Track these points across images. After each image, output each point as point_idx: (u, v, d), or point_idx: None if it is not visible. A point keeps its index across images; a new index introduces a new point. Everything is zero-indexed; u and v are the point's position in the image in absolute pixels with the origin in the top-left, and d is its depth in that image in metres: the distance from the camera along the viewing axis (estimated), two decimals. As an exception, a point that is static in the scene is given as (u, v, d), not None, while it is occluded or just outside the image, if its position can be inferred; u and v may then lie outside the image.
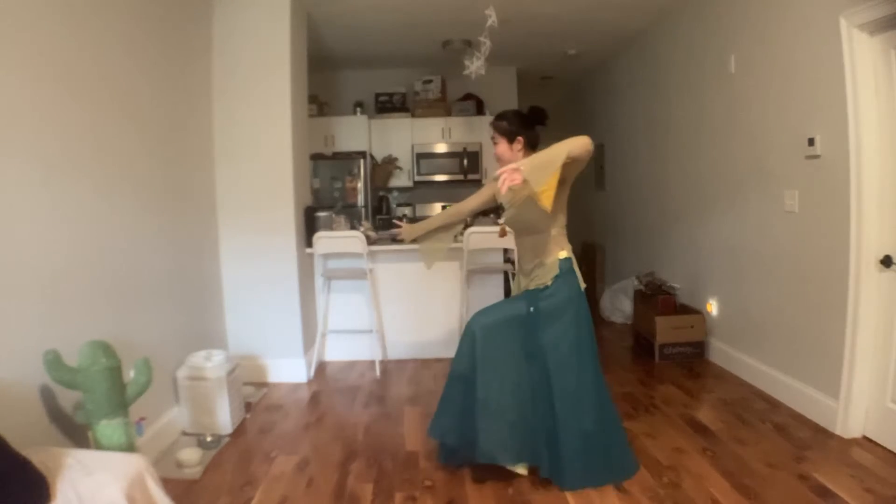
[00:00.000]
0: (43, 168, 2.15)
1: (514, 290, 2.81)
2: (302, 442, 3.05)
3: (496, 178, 2.18)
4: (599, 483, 2.48)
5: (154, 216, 2.98)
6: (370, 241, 4.16)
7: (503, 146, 2.62)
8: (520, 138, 2.60)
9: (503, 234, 2.96)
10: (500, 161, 2.64)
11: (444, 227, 2.98)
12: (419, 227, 2.99)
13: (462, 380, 2.56)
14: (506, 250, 4.43)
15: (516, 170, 2.10)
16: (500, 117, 2.65)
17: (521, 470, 2.58)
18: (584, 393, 2.50)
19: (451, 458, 2.67)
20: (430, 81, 6.34)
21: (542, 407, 2.51)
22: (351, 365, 4.36)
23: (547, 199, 2.09)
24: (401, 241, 2.97)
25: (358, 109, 6.30)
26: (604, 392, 2.58)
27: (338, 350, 4.48)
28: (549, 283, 2.52)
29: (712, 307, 4.20)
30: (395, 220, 3.17)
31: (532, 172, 2.10)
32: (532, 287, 2.57)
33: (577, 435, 2.47)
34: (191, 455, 2.74)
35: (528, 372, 2.53)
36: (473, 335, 2.54)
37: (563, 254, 2.54)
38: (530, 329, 2.53)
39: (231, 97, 3.79)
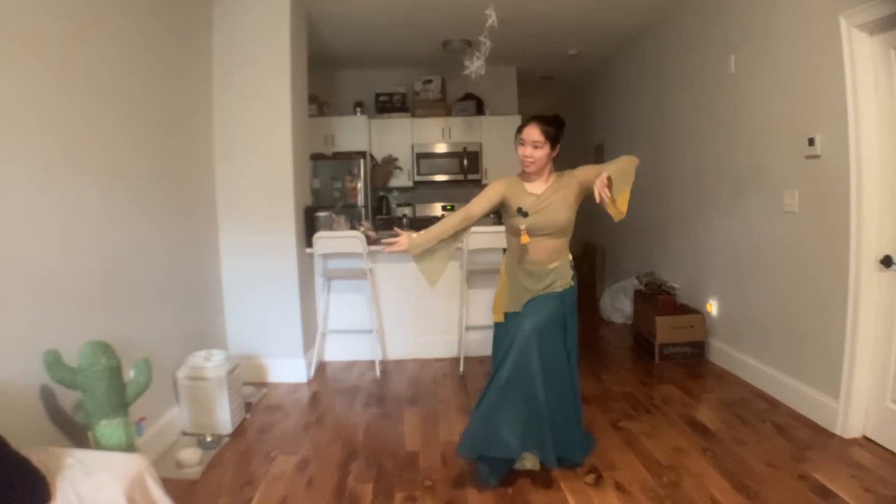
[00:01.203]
0: (43, 169, 2.15)
1: (514, 294, 2.68)
2: (302, 442, 3.05)
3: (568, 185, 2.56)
4: (588, 451, 2.77)
5: (154, 216, 2.98)
6: (370, 241, 4.16)
7: (546, 150, 2.54)
8: (558, 145, 2.60)
9: (526, 239, 2.63)
10: (533, 165, 2.54)
11: (454, 235, 2.68)
12: (425, 238, 2.59)
13: (519, 386, 2.46)
14: (505, 250, 4.42)
15: (606, 180, 2.33)
16: (547, 122, 2.55)
17: (533, 465, 2.56)
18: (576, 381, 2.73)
19: (495, 474, 2.53)
20: (430, 81, 6.34)
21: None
22: (351, 365, 4.36)
23: (624, 206, 2.40)
24: (404, 252, 2.62)
25: (358, 109, 6.30)
26: None
27: (338, 350, 4.48)
28: (573, 283, 2.66)
29: (712, 307, 4.20)
30: (395, 228, 2.76)
31: (617, 181, 2.38)
32: (559, 288, 2.61)
33: (576, 418, 2.68)
34: (191, 455, 2.74)
35: (564, 369, 2.59)
36: (528, 338, 2.47)
37: (570, 256, 2.70)
38: (566, 328, 2.62)
39: (231, 97, 3.78)
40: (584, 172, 2.58)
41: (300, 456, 2.88)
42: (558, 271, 2.61)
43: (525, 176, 2.65)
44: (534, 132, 2.53)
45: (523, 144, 2.55)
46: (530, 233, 2.57)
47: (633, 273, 5.38)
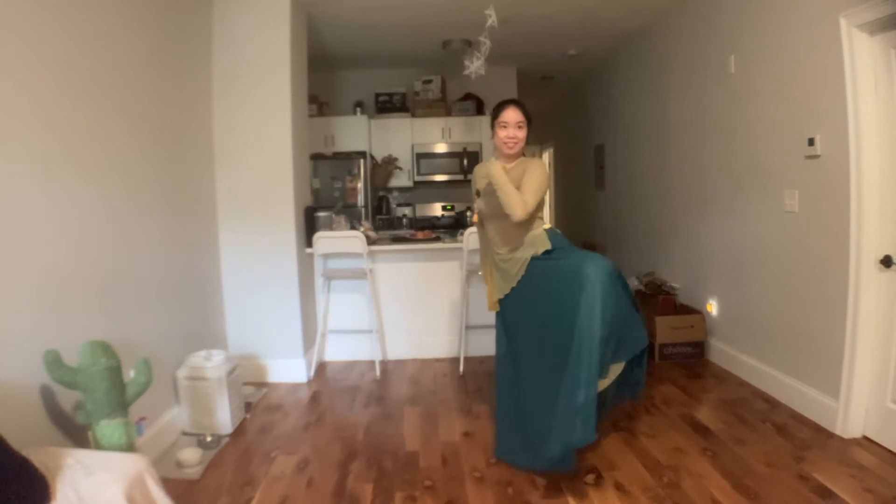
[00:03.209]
0: (43, 169, 2.16)
1: (502, 277, 2.70)
2: (302, 442, 3.05)
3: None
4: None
5: (154, 216, 2.98)
6: (370, 241, 4.16)
7: (526, 129, 2.63)
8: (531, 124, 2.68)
9: (478, 219, 2.85)
10: (518, 145, 2.62)
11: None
12: (484, 266, 2.90)
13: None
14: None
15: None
16: (520, 103, 2.64)
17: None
18: None
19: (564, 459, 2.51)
20: (430, 81, 6.34)
21: None
22: (351, 365, 4.36)
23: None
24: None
25: (358, 109, 6.30)
26: None
27: (338, 350, 4.48)
28: (550, 247, 2.60)
29: (712, 307, 4.20)
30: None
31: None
32: (542, 249, 2.58)
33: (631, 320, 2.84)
34: (191, 455, 2.74)
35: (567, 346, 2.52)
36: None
37: (547, 225, 2.68)
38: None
39: (231, 97, 3.79)
40: (526, 181, 2.57)
41: (300, 456, 2.88)
42: (535, 241, 2.61)
43: (500, 158, 2.71)
44: (515, 114, 2.59)
45: (506, 127, 2.59)
46: (484, 214, 2.68)
47: (633, 273, 5.37)
